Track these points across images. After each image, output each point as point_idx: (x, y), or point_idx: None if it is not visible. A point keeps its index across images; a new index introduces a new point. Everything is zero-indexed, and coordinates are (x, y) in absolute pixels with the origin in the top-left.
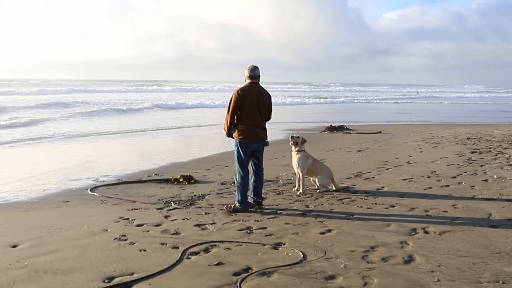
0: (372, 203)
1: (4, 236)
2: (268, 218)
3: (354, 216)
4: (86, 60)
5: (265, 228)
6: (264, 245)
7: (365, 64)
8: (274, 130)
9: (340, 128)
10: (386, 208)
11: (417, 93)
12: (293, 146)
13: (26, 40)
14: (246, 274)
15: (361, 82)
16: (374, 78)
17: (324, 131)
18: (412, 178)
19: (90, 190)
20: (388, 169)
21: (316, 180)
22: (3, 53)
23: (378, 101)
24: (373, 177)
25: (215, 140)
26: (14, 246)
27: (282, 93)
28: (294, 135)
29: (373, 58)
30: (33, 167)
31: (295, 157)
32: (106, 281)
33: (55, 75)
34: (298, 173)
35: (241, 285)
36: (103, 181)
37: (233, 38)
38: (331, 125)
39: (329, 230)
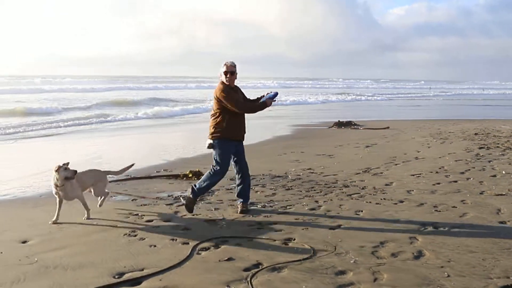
0: (381, 199)
1: (14, 232)
2: (278, 214)
3: (363, 212)
4: (88, 57)
5: (275, 223)
6: (274, 240)
7: (373, 59)
8: (282, 125)
9: (348, 124)
10: (395, 203)
11: (430, 88)
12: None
13: (29, 37)
14: (256, 270)
15: (370, 77)
16: (382, 73)
17: (332, 126)
18: (420, 174)
19: None
20: (396, 164)
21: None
22: (10, 51)
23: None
24: (382, 173)
25: None
26: (24, 242)
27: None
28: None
29: (381, 53)
30: (42, 163)
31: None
32: (116, 276)
33: (66, 71)
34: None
35: (252, 281)
36: (112, 176)
37: (240, 33)
38: (339, 121)
39: (339, 226)
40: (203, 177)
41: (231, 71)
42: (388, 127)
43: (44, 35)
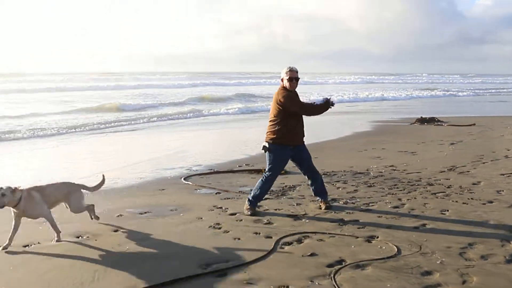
0: (468, 198)
1: (106, 221)
2: (360, 211)
3: (449, 211)
4: (172, 54)
5: (357, 220)
6: (357, 237)
7: (457, 53)
8: (362, 121)
9: (431, 120)
10: (484, 203)
11: None
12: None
13: (121, 35)
14: (340, 266)
15: (455, 72)
16: (467, 67)
17: (414, 123)
18: (511, 173)
19: (184, 179)
20: (484, 163)
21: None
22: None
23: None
24: (468, 171)
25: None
26: (115, 231)
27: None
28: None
29: (466, 47)
30: (128, 156)
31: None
32: (203, 267)
33: (152, 68)
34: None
35: (335, 277)
36: (196, 170)
37: (319, 29)
38: (421, 117)
39: (423, 225)
40: (256, 185)
41: (296, 78)
42: (474, 124)
43: (135, 34)
